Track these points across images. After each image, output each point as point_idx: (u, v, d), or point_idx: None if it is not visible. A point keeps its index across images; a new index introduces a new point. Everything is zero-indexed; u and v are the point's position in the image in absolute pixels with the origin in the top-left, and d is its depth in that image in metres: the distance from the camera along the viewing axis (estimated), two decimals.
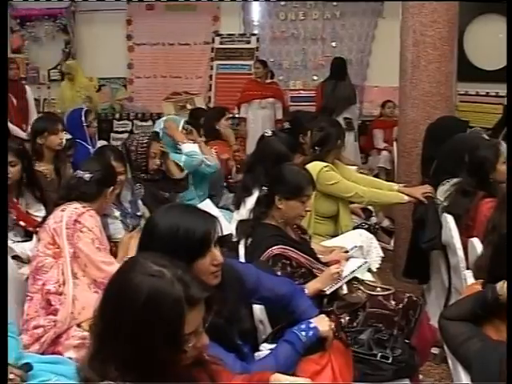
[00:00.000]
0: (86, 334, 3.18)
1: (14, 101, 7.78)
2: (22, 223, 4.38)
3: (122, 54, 10.68)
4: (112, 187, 3.79)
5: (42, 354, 3.17)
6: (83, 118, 6.03)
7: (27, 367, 2.61)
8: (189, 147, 5.38)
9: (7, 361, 2.00)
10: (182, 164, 5.30)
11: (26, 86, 8.20)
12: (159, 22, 10.51)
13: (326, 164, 4.53)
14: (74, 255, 3.40)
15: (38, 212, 4.48)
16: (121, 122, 10.58)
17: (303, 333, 2.51)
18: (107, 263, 3.39)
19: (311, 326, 2.55)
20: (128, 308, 1.70)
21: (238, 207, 4.49)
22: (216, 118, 6.60)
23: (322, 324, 2.58)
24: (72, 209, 3.50)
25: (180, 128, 5.62)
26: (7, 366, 1.99)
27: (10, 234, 4.33)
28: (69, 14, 10.68)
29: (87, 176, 3.63)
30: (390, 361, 2.87)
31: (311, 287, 3.15)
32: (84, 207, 3.53)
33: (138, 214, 4.50)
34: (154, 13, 10.56)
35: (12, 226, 4.38)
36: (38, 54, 10.91)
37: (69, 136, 5.47)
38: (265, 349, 2.72)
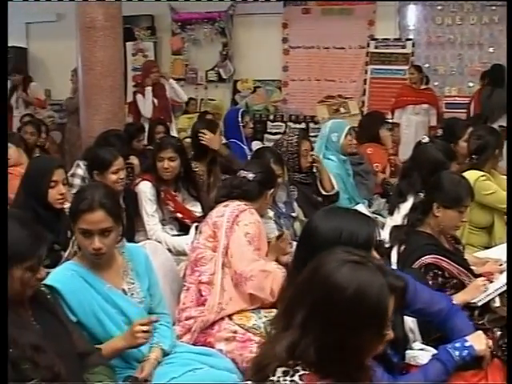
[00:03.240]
0: (237, 327, 3.30)
1: (155, 101, 8.02)
2: (179, 215, 4.56)
3: (277, 56, 10.82)
4: (272, 189, 3.86)
5: (194, 344, 3.29)
6: (240, 119, 6.19)
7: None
8: None
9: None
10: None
11: (164, 84, 8.35)
12: (315, 26, 10.54)
13: (482, 173, 4.44)
14: (227, 247, 3.48)
15: (194, 207, 4.64)
16: (274, 124, 10.76)
17: (457, 352, 2.44)
18: (251, 259, 3.41)
19: (466, 344, 2.47)
20: (338, 295, 1.77)
21: (391, 213, 4.47)
22: (378, 123, 6.60)
23: (478, 342, 2.50)
24: (235, 205, 3.60)
25: (344, 133, 5.58)
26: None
27: (166, 228, 4.53)
28: (227, 18, 10.97)
29: (250, 176, 3.71)
30: None
31: (458, 298, 3.09)
32: (246, 205, 3.61)
33: (293, 214, 4.58)
34: (310, 16, 10.62)
35: (168, 220, 4.58)
36: (197, 55, 11.29)
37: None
38: (416, 347, 2.72)
